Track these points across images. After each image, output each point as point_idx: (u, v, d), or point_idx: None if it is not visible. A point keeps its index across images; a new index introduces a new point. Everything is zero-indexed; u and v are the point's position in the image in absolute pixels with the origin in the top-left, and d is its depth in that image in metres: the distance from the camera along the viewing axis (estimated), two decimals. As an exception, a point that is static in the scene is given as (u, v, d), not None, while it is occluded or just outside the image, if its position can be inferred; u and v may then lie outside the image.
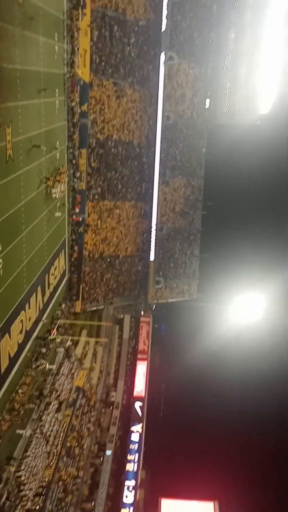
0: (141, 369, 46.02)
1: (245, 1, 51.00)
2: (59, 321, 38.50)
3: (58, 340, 38.39)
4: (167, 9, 46.22)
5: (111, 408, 42.97)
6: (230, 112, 52.83)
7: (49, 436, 33.83)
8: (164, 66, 46.92)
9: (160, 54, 46.71)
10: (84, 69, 41.19)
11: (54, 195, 35.04)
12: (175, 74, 47.90)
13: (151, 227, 49.17)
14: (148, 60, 46.69)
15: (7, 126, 24.51)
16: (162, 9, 46.12)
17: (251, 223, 50.85)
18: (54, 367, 36.92)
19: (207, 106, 51.32)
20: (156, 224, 49.10)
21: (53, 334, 37.16)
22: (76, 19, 39.06)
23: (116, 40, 44.17)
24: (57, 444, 34.42)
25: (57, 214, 36.96)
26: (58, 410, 35.80)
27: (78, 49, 39.84)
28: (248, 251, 49.46)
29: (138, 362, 46.45)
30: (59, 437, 35.06)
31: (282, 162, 51.04)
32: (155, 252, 49.48)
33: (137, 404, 44.14)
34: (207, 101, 51.18)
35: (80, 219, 43.11)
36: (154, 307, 51.02)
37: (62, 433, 35.62)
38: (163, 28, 46.50)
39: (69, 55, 39.04)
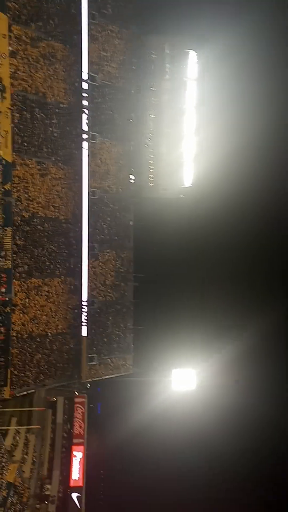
0: (78, 455, 42.85)
1: (161, 85, 54.70)
2: (-16, 411, 35.60)
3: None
4: (87, 92, 48.26)
5: (46, 502, 39.19)
6: (155, 186, 54.83)
7: None
8: (87, 145, 48.18)
9: (82, 134, 48.06)
10: (6, 150, 41.66)
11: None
12: (98, 151, 49.39)
13: (81, 302, 48.03)
14: (71, 139, 47.99)
15: None
16: (82, 92, 48.07)
17: (183, 293, 51.35)
18: (-21, 463, 33.69)
19: (132, 181, 52.84)
20: (87, 299, 48.07)
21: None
22: (-4, 102, 39.83)
23: (38, 121, 45.30)
24: None
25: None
26: (-16, 514, 32.23)
27: (-1, 130, 40.35)
28: (182, 321, 49.54)
29: (74, 448, 43.27)
30: None
31: (206, 232, 52.82)
32: (87, 328, 48.00)
33: (75, 495, 40.67)
34: (132, 176, 52.75)
35: (7, 298, 41.40)
36: (88, 386, 48.69)
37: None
38: (84, 109, 48.26)
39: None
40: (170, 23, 54.63)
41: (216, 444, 46.78)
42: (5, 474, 36.42)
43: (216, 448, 47.15)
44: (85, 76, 48.16)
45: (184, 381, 49.69)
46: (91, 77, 48.48)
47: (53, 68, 46.30)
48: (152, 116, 54.86)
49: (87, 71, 48.18)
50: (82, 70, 48.06)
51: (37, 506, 38.97)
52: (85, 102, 48.42)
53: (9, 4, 42.00)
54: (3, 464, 36.74)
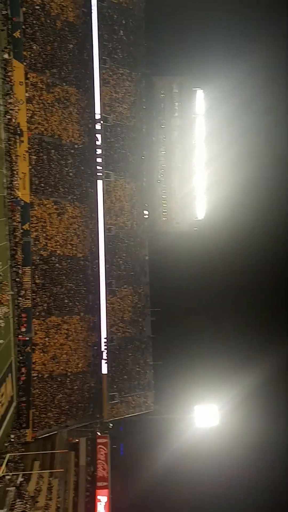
0: (102, 499, 41.45)
1: (170, 123, 55.99)
2: (8, 456, 34.65)
3: (8, 477, 34.22)
4: (100, 133, 49.34)
5: None
6: (168, 221, 55.38)
7: None
8: (102, 183, 48.86)
9: (96, 173, 48.85)
10: (24, 191, 42.49)
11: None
12: (112, 189, 50.09)
13: (101, 339, 47.61)
14: (86, 178, 48.82)
15: None
16: (95, 133, 49.16)
17: (201, 326, 50.85)
18: (4, 510, 32.46)
19: (146, 217, 53.42)
20: (106, 336, 47.63)
21: (2, 471, 33.21)
22: (14, 146, 40.81)
23: (53, 162, 46.19)
24: None
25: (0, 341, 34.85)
26: None
27: (17, 172, 41.22)
28: (201, 356, 48.82)
29: (98, 492, 41.91)
30: None
31: (222, 264, 52.75)
32: (107, 365, 47.37)
33: None
34: (146, 212, 53.36)
35: (27, 338, 41.18)
36: (110, 426, 47.60)
37: None
38: (98, 149, 49.24)
39: (9, 179, 40.04)
40: (178, 64, 56.31)
41: (244, 482, 45.34)
42: (29, 521, 35.12)
43: (244, 486, 45.64)
44: (98, 117, 49.39)
45: (207, 417, 48.51)
46: (103, 118, 49.67)
47: (68, 111, 47.54)
48: (163, 152, 55.95)
49: (99, 113, 49.40)
50: (95, 112, 49.39)
51: None
52: (98, 142, 49.52)
53: (25, 53, 43.52)
54: (27, 511, 35.47)
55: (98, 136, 49.57)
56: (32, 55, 44.48)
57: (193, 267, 52.93)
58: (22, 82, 42.65)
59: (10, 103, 41.03)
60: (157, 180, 55.50)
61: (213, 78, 55.68)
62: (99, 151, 49.49)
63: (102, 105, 49.71)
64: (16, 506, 34.02)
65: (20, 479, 35.51)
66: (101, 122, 49.57)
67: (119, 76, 51.65)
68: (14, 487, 34.60)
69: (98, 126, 49.62)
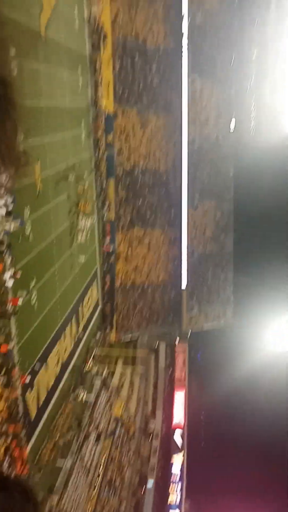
0: (179, 398, 48.52)
1: (265, 18, 54.20)
2: (94, 351, 41.65)
3: (94, 370, 41.49)
4: (187, 32, 49.76)
5: (150, 438, 45.42)
6: (256, 133, 55.66)
7: (90, 467, 36.62)
8: (187, 90, 50.35)
9: (181, 78, 50.20)
10: (108, 100, 45.34)
11: (81, 227, 38.03)
12: (198, 97, 51.51)
13: (181, 252, 52.14)
14: (171, 86, 50.54)
15: (35, 162, 26.52)
16: (181, 33, 49.77)
17: (284, 245, 52.90)
18: (91, 397, 39.97)
19: (232, 128, 54.34)
20: (187, 250, 52.04)
21: (89, 365, 40.25)
22: (98, 52, 43.02)
23: (138, 69, 48.11)
24: (98, 475, 37.16)
25: (81, 258, 39.31)
26: (97, 440, 38.66)
27: (101, 81, 43.87)
28: (283, 273, 51.48)
29: (175, 391, 48.97)
30: (100, 468, 37.81)
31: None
32: (187, 278, 52.39)
33: (177, 434, 46.54)
34: (232, 123, 54.22)
35: (111, 249, 46.48)
36: (189, 335, 53.55)
37: (102, 464, 38.36)
38: (184, 51, 50.08)
39: (93, 87, 43.00)
40: None
41: None
42: (113, 409, 42.84)
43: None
44: (184, 15, 49.43)
45: (283, 333, 52.59)
46: (191, 16, 49.57)
47: (153, 9, 48.02)
48: (255, 54, 55.06)
49: (187, 9, 49.21)
50: (182, 9, 49.28)
51: (142, 440, 45.38)
52: (184, 43, 50.04)
53: None
54: (111, 400, 43.13)
55: (184, 36, 50.03)
56: None
57: (280, 185, 53.81)
58: (106, -25, 43.00)
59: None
60: (247, 88, 55.27)
61: None
62: (185, 53, 50.20)
63: (190, 1, 49.59)
64: (101, 395, 41.68)
65: (105, 372, 42.92)
66: (188, 20, 49.71)
67: None
68: (100, 379, 42.11)
69: (184, 25, 49.86)
